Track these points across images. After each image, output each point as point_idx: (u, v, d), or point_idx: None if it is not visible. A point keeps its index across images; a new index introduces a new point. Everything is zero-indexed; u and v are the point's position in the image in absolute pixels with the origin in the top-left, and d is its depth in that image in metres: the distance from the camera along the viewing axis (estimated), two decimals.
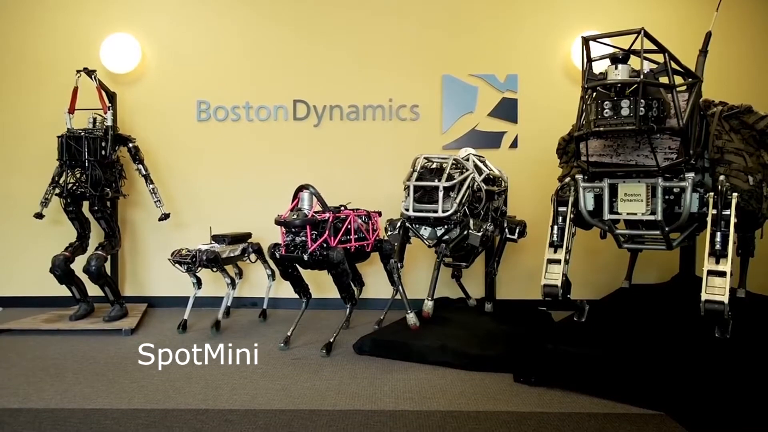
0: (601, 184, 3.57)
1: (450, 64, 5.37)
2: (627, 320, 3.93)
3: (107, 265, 4.78)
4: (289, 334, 4.11)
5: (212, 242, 4.59)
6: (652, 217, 3.43)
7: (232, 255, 4.65)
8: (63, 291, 4.75)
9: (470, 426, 2.68)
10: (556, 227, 3.77)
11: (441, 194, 3.88)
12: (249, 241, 4.90)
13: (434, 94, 5.39)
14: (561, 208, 3.79)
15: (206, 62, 5.50)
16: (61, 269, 4.56)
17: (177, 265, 4.30)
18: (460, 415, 2.81)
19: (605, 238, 4.05)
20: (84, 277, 4.66)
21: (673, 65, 3.23)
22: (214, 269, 4.37)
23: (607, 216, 3.58)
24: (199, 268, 4.35)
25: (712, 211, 3.29)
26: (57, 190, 4.79)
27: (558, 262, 3.69)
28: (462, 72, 5.36)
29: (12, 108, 5.51)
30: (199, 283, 4.49)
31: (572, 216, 3.77)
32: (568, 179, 3.92)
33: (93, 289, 4.79)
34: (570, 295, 3.75)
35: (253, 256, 4.90)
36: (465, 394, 3.11)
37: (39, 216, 4.82)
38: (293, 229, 3.88)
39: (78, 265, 4.70)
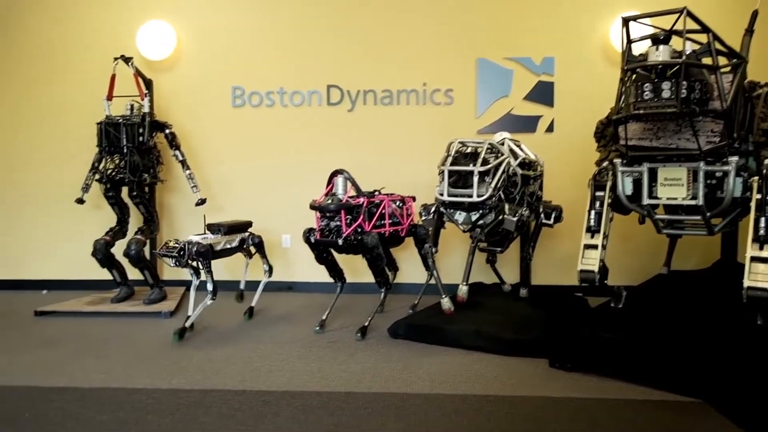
0: (641, 168, 3.51)
1: (485, 48, 5.31)
2: (665, 307, 3.87)
3: (146, 249, 4.88)
4: (324, 317, 4.15)
5: (206, 232, 4.20)
6: (693, 202, 3.36)
7: (228, 247, 4.23)
8: (104, 274, 4.87)
9: (505, 410, 2.68)
10: (593, 212, 3.72)
11: (476, 179, 3.85)
12: (250, 230, 4.52)
13: (469, 78, 5.34)
14: (598, 193, 3.74)
15: (241, 48, 5.53)
16: (102, 253, 4.67)
17: (165, 258, 3.87)
18: (495, 400, 2.81)
19: (644, 224, 3.99)
20: (124, 261, 4.77)
21: (717, 45, 3.15)
22: (203, 264, 3.89)
23: (646, 201, 3.52)
24: (190, 262, 3.91)
25: (756, 196, 3.21)
26: (97, 176, 4.88)
27: (595, 247, 3.65)
28: (497, 55, 5.30)
29: (52, 96, 5.62)
30: (196, 273, 4.06)
31: (610, 201, 3.72)
32: (606, 163, 3.86)
33: (133, 273, 4.90)
34: (607, 280, 3.70)
35: (252, 249, 4.53)
36: (500, 379, 3.11)
37: (80, 201, 4.93)
38: (328, 214, 3.90)
39: (118, 249, 4.81)
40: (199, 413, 2.65)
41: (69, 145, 5.54)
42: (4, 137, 5.67)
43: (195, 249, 3.84)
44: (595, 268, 3.59)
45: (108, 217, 5.04)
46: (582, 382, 3.05)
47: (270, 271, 4.58)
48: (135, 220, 5.03)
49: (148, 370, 3.27)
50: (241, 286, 4.70)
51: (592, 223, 3.70)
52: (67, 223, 5.59)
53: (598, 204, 3.72)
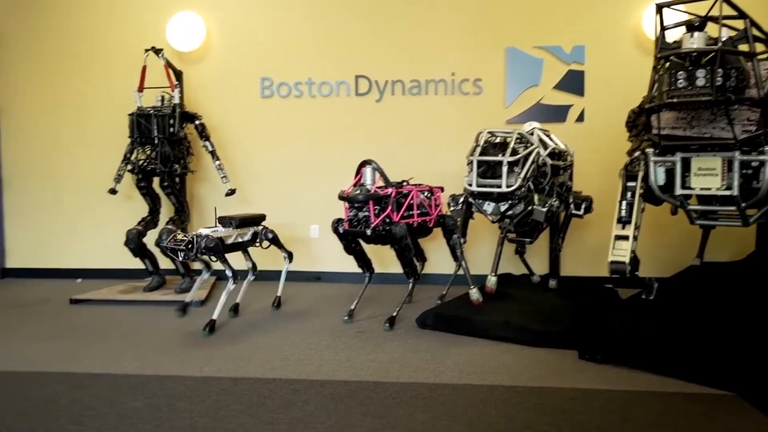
0: (674, 158, 3.46)
1: (514, 37, 5.26)
2: (698, 299, 3.81)
3: None
4: (352, 307, 4.17)
5: (217, 226, 4.09)
6: (727, 193, 3.30)
7: (240, 240, 4.10)
8: (137, 264, 4.96)
9: (534, 401, 2.67)
10: (624, 203, 3.67)
11: (505, 169, 3.82)
12: (263, 224, 4.40)
13: (498, 68, 5.29)
14: (630, 183, 3.69)
15: (269, 39, 5.56)
16: (135, 243, 4.75)
17: (172, 253, 3.78)
18: (523, 390, 2.80)
19: (676, 214, 3.93)
20: (156, 251, 4.84)
21: (755, 31, 3.08)
22: (214, 259, 3.80)
23: (679, 191, 3.46)
24: (199, 256, 3.78)
25: None
26: (129, 167, 4.96)
27: (626, 238, 3.60)
28: (526, 44, 5.24)
29: (85, 88, 5.72)
30: (207, 266, 4.09)
31: (641, 191, 3.67)
32: (637, 153, 3.80)
33: (164, 262, 4.98)
34: (638, 272, 3.66)
35: (265, 243, 4.37)
36: (528, 370, 3.09)
37: (113, 192, 5.01)
38: (356, 205, 3.91)
39: (150, 239, 4.88)
40: (229, 401, 2.69)
41: (102, 136, 5.64)
42: (40, 128, 5.79)
43: (204, 243, 3.71)
44: (626, 260, 3.54)
45: (140, 207, 5.12)
46: (612, 374, 3.02)
47: (290, 257, 4.52)
48: (166, 211, 5.10)
49: (179, 358, 3.32)
50: (278, 292, 4.61)
51: (623, 213, 3.66)
52: (100, 214, 5.70)
53: (629, 194, 3.67)
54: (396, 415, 2.51)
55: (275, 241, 4.40)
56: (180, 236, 3.74)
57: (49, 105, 5.77)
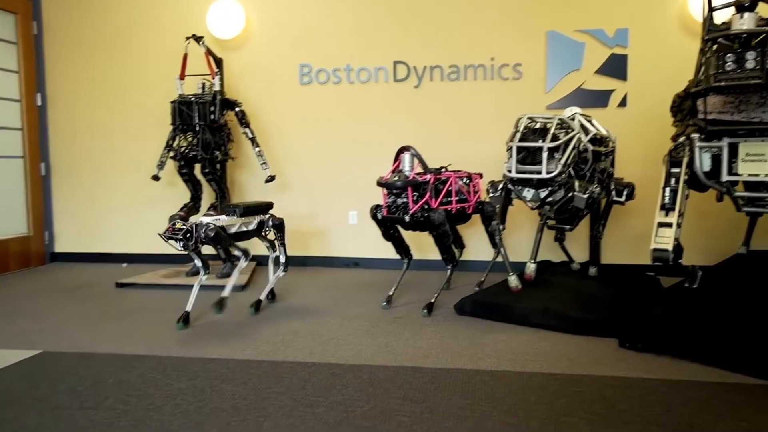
0: (720, 143, 3.37)
1: (555, 20, 5.17)
2: (743, 288, 3.72)
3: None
4: (390, 293, 4.19)
5: (221, 213, 3.98)
6: None
7: (244, 229, 3.92)
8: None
9: (573, 389, 2.65)
10: (668, 189, 3.60)
11: (545, 155, 3.78)
12: (270, 213, 4.18)
13: (538, 52, 5.22)
14: (674, 169, 3.61)
15: (308, 26, 5.57)
16: None
17: (170, 241, 3.53)
18: (563, 378, 2.78)
19: (722, 201, 3.84)
20: None
21: None
22: (218, 248, 3.60)
23: (725, 177, 3.38)
24: (197, 246, 3.59)
25: None
26: (171, 154, 5.05)
27: (669, 225, 3.53)
28: (567, 28, 5.15)
29: (128, 77, 5.84)
30: (205, 267, 3.74)
31: (686, 177, 3.59)
32: (682, 138, 3.72)
33: (206, 248, 5.06)
34: (681, 260, 3.59)
35: (272, 234, 4.16)
36: (568, 357, 3.07)
37: (156, 178, 5.11)
38: (395, 191, 3.92)
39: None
40: (270, 383, 2.74)
41: (145, 124, 5.75)
42: (85, 118, 5.94)
43: (204, 232, 3.53)
44: (669, 247, 3.48)
45: (182, 193, 5.22)
46: (654, 363, 2.98)
47: (285, 264, 4.18)
48: (207, 197, 5.19)
49: (221, 341, 3.39)
50: (262, 296, 4.19)
51: (666, 200, 3.59)
52: (144, 199, 5.82)
53: (673, 181, 3.60)
54: (434, 400, 2.53)
55: (280, 229, 4.14)
56: (179, 224, 3.51)
57: (93, 94, 5.91)
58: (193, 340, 3.41)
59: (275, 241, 4.17)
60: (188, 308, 3.69)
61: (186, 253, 3.60)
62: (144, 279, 4.92)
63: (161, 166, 5.10)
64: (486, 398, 2.55)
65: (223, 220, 3.77)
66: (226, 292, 3.84)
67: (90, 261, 5.96)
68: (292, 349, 3.26)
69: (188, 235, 3.47)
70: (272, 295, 4.32)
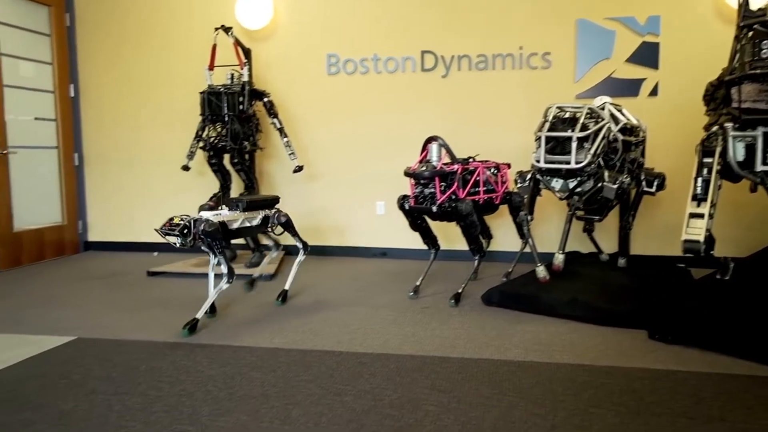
0: (755, 132, 3.31)
1: (585, 8, 5.10)
2: None
3: None
4: (418, 283, 4.20)
5: (222, 207, 3.79)
6: None
7: (248, 225, 3.73)
8: None
9: (602, 380, 2.64)
10: (700, 179, 3.54)
11: (574, 145, 3.74)
12: (277, 207, 4.01)
13: (567, 41, 5.15)
14: (706, 159, 3.55)
15: (335, 16, 5.58)
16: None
17: (168, 237, 3.31)
18: (591, 369, 2.77)
19: (755, 192, 3.76)
20: None
21: None
22: (213, 245, 3.37)
23: (759, 167, 3.32)
24: (197, 242, 3.34)
25: None
26: (200, 144, 5.11)
27: (701, 216, 3.48)
28: (597, 15, 5.08)
29: (157, 67, 5.91)
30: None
31: (719, 167, 3.53)
32: (715, 128, 3.65)
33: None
34: (713, 251, 3.54)
35: (278, 229, 3.99)
36: (596, 349, 3.06)
37: (186, 168, 5.17)
38: (422, 181, 3.92)
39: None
40: (299, 371, 2.77)
41: (174, 114, 5.82)
42: (116, 108, 6.03)
43: (202, 227, 3.29)
44: (701, 238, 3.43)
45: (211, 183, 5.29)
46: (684, 355, 2.95)
47: (305, 247, 4.12)
48: (236, 187, 5.24)
49: (250, 330, 3.44)
50: (255, 275, 4.14)
51: (698, 190, 3.53)
52: (174, 189, 5.90)
53: (705, 171, 3.54)
54: (462, 389, 2.54)
55: (288, 226, 3.98)
56: (176, 219, 3.30)
57: (123, 85, 5.99)
58: (222, 329, 3.47)
59: (292, 235, 4.02)
60: (198, 316, 3.46)
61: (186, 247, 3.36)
62: (174, 268, 5.00)
63: (191, 156, 5.16)
64: (513, 388, 2.55)
65: (224, 215, 3.57)
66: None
67: (122, 250, 6.07)
68: (320, 338, 3.29)
69: (185, 231, 3.25)
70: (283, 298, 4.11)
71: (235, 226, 3.62)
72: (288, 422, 2.24)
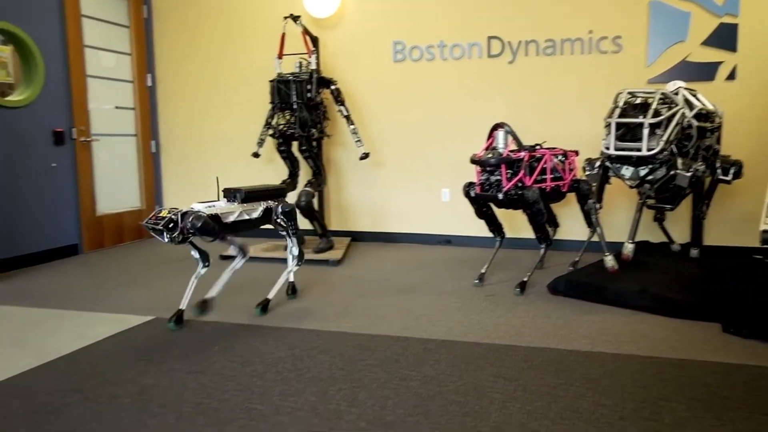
0: None
1: None
2: None
3: (315, 201, 5.18)
4: (483, 271, 4.21)
5: (219, 199, 3.46)
6: None
7: (246, 218, 3.41)
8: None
9: (673, 373, 2.60)
10: None
11: (646, 132, 3.65)
12: (280, 199, 3.68)
13: (639, 24, 5.00)
14: None
15: (401, 3, 5.58)
16: None
17: (152, 232, 3.04)
18: (661, 362, 2.73)
19: None
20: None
21: None
22: (209, 240, 3.12)
23: None
24: (184, 238, 3.05)
25: None
26: (270, 131, 5.23)
27: None
28: None
29: (229, 56, 6.07)
30: (203, 259, 3.35)
31: None
32: None
33: (303, 223, 5.24)
34: None
35: (281, 222, 3.62)
36: (666, 341, 3.00)
37: (256, 155, 5.31)
38: (488, 168, 3.90)
39: (289, 200, 5.14)
40: (365, 355, 2.84)
41: (245, 102, 5.98)
42: (188, 95, 6.24)
43: (190, 222, 3.00)
44: None
45: (280, 170, 5.41)
46: (760, 350, 2.86)
47: (300, 257, 3.75)
48: (304, 174, 5.35)
49: (317, 314, 3.54)
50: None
51: None
52: (244, 176, 6.06)
53: None
54: (527, 378, 2.55)
55: (290, 217, 3.63)
56: (164, 213, 3.01)
57: (196, 75, 6.19)
58: (290, 311, 3.58)
59: (287, 231, 3.67)
60: (182, 306, 3.31)
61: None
62: None
63: (261, 143, 5.29)
64: (580, 378, 2.54)
65: (219, 207, 3.28)
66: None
67: None
68: (385, 323, 3.35)
69: (171, 225, 2.97)
70: (293, 290, 3.92)
71: (231, 219, 3.32)
72: (355, 404, 2.31)
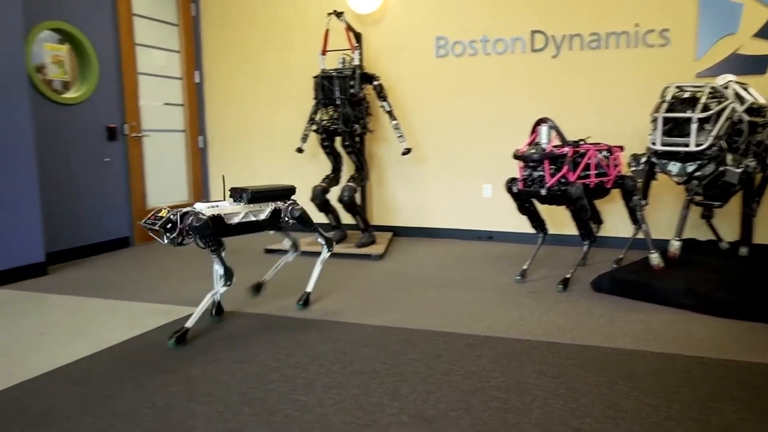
0: None
1: None
2: None
3: (357, 196, 5.23)
4: (525, 267, 4.20)
5: (225, 199, 3.29)
6: None
7: (252, 219, 3.25)
8: (321, 218, 5.32)
9: (720, 373, 2.56)
10: None
11: (694, 126, 3.59)
12: (292, 200, 3.49)
13: (688, 16, 4.89)
14: None
15: None
16: (320, 199, 5.10)
17: (150, 232, 2.92)
18: (708, 362, 2.69)
19: None
20: (338, 206, 5.17)
21: None
22: (204, 242, 2.97)
23: None
24: (184, 239, 2.93)
25: None
26: (314, 127, 5.29)
27: None
28: None
29: (274, 53, 6.16)
30: (228, 277, 3.09)
31: None
32: None
33: (345, 218, 5.31)
34: None
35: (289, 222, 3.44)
36: (714, 341, 2.95)
37: (299, 150, 5.38)
38: (531, 164, 3.88)
39: (332, 195, 5.22)
40: (407, 350, 2.87)
41: (289, 98, 6.07)
42: (235, 91, 6.37)
43: (189, 222, 2.87)
44: None
45: (324, 165, 5.48)
46: None
47: (328, 244, 3.65)
48: (347, 169, 5.41)
49: (359, 308, 3.58)
50: (266, 276, 3.75)
51: None
52: (288, 171, 6.16)
53: None
54: (570, 375, 2.54)
55: (302, 220, 3.44)
56: (163, 212, 2.90)
57: (242, 71, 6.30)
58: (333, 304, 3.64)
59: (315, 232, 3.59)
60: (189, 324, 3.04)
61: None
62: (288, 246, 5.23)
63: (304, 139, 5.36)
64: (624, 377, 2.52)
65: (222, 207, 3.13)
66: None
67: None
68: (427, 318, 3.38)
69: (169, 226, 2.85)
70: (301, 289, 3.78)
71: (236, 220, 3.17)
72: (397, 398, 2.34)
